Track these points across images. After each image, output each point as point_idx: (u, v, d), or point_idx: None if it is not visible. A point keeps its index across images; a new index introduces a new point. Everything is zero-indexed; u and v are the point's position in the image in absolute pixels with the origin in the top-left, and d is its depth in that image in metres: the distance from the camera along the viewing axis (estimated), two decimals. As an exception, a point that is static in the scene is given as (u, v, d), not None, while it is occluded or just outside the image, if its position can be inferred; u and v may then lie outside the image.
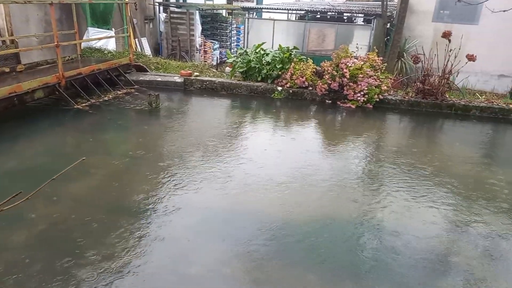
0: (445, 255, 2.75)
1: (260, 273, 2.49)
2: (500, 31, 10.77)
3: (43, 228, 2.91)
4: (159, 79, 7.80)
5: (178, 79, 7.76)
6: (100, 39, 8.98)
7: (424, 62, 6.83)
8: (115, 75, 7.43)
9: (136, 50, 10.70)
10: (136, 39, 11.40)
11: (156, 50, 13.39)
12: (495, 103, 6.88)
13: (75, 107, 5.95)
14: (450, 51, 6.40)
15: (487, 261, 2.71)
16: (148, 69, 8.26)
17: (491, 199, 3.63)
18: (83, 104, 6.11)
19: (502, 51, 10.58)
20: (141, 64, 8.24)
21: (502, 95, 9.93)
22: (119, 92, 7.00)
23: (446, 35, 6.47)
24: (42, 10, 8.47)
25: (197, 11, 12.82)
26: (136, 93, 7.06)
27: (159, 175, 3.80)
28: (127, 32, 9.50)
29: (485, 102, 6.94)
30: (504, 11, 9.56)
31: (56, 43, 5.95)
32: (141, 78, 7.73)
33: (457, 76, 7.41)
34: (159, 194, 3.42)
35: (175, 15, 13.05)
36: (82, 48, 8.55)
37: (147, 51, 12.01)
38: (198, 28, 13.04)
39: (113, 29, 10.33)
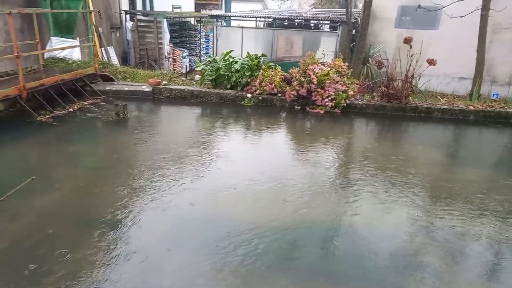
0: (412, 253, 2.83)
1: (235, 278, 2.48)
2: (459, 35, 11.28)
3: (3, 246, 2.78)
4: (127, 88, 7.67)
5: (146, 88, 7.66)
6: (63, 48, 8.74)
7: (388, 67, 7.05)
8: (81, 86, 7.24)
9: (102, 59, 10.48)
10: (102, 48, 11.18)
11: (124, 59, 13.17)
12: (455, 105, 7.19)
13: (37, 119, 5.74)
14: (411, 56, 6.65)
15: (452, 260, 2.81)
16: (115, 79, 8.11)
17: (453, 197, 3.77)
18: (47, 116, 5.92)
19: (461, 54, 11.07)
20: (108, 74, 8.07)
21: (463, 96, 10.38)
22: (84, 103, 6.83)
23: (407, 40, 6.73)
24: (2, 20, 8.17)
25: (164, 19, 12.72)
26: (103, 103, 6.91)
27: (127, 187, 3.73)
28: (92, 41, 9.30)
29: (446, 104, 7.24)
30: (461, 16, 10.07)
31: (16, 54, 5.74)
32: (107, 88, 7.57)
33: (419, 80, 7.69)
34: (128, 206, 3.35)
35: (142, 24, 12.90)
36: (45, 58, 8.29)
37: (114, 60, 11.79)
38: (166, 36, 12.94)
39: (77, 38, 10.08)
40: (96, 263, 2.62)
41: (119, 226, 3.06)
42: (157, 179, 3.91)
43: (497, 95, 9.89)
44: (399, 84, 7.07)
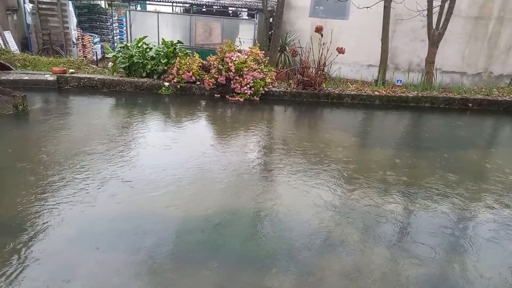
0: (333, 233, 2.99)
1: (154, 277, 2.39)
2: (366, 25, 12.06)
3: None
4: (27, 78, 6.92)
5: (50, 77, 7.00)
6: None
7: (302, 55, 7.30)
8: (-31, 75, 6.37)
9: (-4, 45, 9.32)
10: (-4, 33, 9.94)
11: (25, 45, 11.85)
12: (363, 91, 7.72)
13: None
14: (323, 44, 6.95)
15: (368, 236, 3.02)
16: (12, 67, 7.27)
17: (368, 177, 4.05)
18: None
19: (369, 43, 11.87)
20: (3, 62, 7.20)
21: (371, 83, 11.19)
22: (-25, 95, 6.02)
23: (318, 29, 7.01)
24: None
25: (69, 2, 11.68)
26: (-2, 95, 6.15)
27: (33, 188, 3.37)
28: (-18, 25, 8.20)
29: (355, 90, 7.74)
30: (367, 7, 10.76)
31: None
32: (3, 78, 6.76)
33: (331, 67, 8.09)
34: (35, 208, 3.03)
35: (44, 6, 11.68)
36: None
37: (13, 46, 10.57)
38: (73, 20, 11.90)
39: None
40: (5, 265, 2.34)
41: (30, 228, 2.76)
42: (62, 177, 3.60)
43: (401, 80, 10.83)
44: (313, 72, 7.38)
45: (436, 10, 9.12)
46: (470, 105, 7.55)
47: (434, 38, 9.22)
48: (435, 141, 5.70)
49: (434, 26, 9.22)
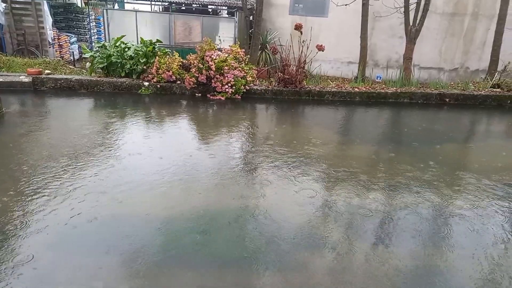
0: (318, 230, 3.00)
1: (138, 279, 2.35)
2: (346, 23, 12.19)
3: None
4: (1, 79, 6.72)
5: (25, 78, 6.81)
6: None
7: (282, 53, 7.31)
8: None
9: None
10: (-33, 33, 9.62)
11: (-2, 46, 11.52)
12: (343, 87, 7.79)
13: None
14: (303, 42, 6.98)
15: (352, 232, 3.05)
16: (-16, 69, 7.06)
17: (351, 173, 4.09)
18: None
19: (348, 40, 12.00)
20: (-25, 63, 6.99)
21: (351, 79, 11.31)
22: None
23: (298, 27, 7.03)
24: None
25: (44, 1, 11.39)
26: (-30, 98, 5.95)
27: (5, 192, 3.27)
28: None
29: (336, 87, 7.80)
30: (345, 5, 10.87)
31: None
32: (-25, 80, 6.56)
33: (311, 65, 8.14)
34: (16, 215, 2.95)
35: (17, 6, 11.38)
36: None
37: (-15, 47, 10.26)
38: (49, 20, 11.63)
39: None
40: (-38, 285, 2.25)
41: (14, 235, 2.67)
42: (42, 182, 3.51)
43: (380, 77, 10.99)
44: (294, 70, 7.40)
45: (413, 7, 9.27)
46: (447, 100, 7.72)
47: (412, 34, 9.38)
48: (414, 135, 5.80)
49: (411, 22, 9.39)
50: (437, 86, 8.40)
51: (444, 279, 2.53)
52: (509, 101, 7.76)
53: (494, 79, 8.52)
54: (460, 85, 8.73)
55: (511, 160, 4.83)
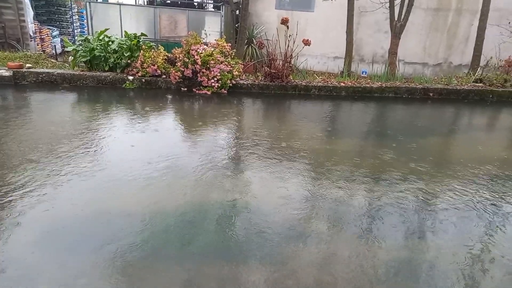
0: (304, 223, 3.01)
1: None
2: (332, 17, 12.23)
3: None
4: (-20, 73, 6.54)
5: (5, 72, 6.64)
6: None
7: (269, 47, 7.29)
8: None
9: None
10: None
11: (-23, 39, 11.19)
12: (329, 82, 7.82)
13: None
14: (289, 36, 6.97)
15: (337, 224, 3.07)
16: (-38, 62, 6.85)
17: (336, 166, 4.12)
18: None
19: (335, 35, 12.05)
20: (-48, 57, 6.78)
21: (337, 74, 11.36)
22: None
23: (284, 21, 7.01)
24: None
25: (25, -7, 11.11)
26: None
27: (-19, 189, 3.19)
28: None
29: (322, 82, 7.82)
30: (332, 0, 10.89)
31: None
32: (-47, 74, 6.36)
33: (297, 59, 8.14)
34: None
35: (-4, -3, 11.07)
36: None
37: (-37, 40, 9.96)
38: (30, 12, 11.35)
39: None
40: None
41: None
42: (31, 181, 3.43)
43: (366, 72, 11.05)
44: (280, 64, 7.39)
45: (398, 2, 9.34)
46: (431, 94, 7.82)
47: (396, 29, 9.46)
48: (398, 129, 5.87)
49: (396, 18, 9.46)
50: (421, 80, 8.50)
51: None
52: (491, 96, 7.91)
53: (476, 74, 8.67)
54: (443, 79, 8.85)
55: (490, 151, 4.92)
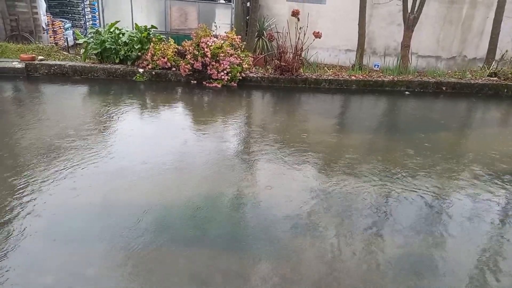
0: (310, 215, 3.01)
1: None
2: (344, 10, 12.06)
3: None
4: (-7, 65, 6.64)
5: (18, 64, 6.72)
6: None
7: (279, 39, 7.23)
8: None
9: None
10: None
11: (-9, 31, 11.33)
12: (340, 75, 7.74)
13: None
14: (300, 28, 6.90)
15: (348, 219, 3.06)
16: (-23, 54, 6.95)
17: (347, 160, 4.09)
18: None
19: (347, 28, 11.88)
20: (-33, 49, 6.88)
21: (348, 67, 11.23)
22: None
23: (295, 13, 6.94)
24: None
25: (38, -14, 11.18)
26: (-38, 83, 5.88)
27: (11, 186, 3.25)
28: None
29: (332, 75, 7.75)
30: (343, -8, 10.72)
31: None
32: (-33, 66, 6.47)
33: (308, 52, 8.07)
34: (13, 202, 2.93)
35: (10, -10, 11.16)
36: None
37: (-22, 32, 10.09)
38: (42, 5, 11.43)
39: None
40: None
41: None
42: (47, 172, 3.48)
43: (378, 65, 10.90)
44: (290, 57, 7.33)
45: (411, -6, 9.16)
46: (444, 88, 7.69)
47: (410, 22, 9.30)
48: (409, 123, 5.79)
49: (409, 10, 9.29)
50: (435, 74, 8.36)
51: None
52: (505, 90, 7.74)
53: (491, 68, 8.48)
54: (457, 73, 8.69)
55: (506, 147, 4.83)
